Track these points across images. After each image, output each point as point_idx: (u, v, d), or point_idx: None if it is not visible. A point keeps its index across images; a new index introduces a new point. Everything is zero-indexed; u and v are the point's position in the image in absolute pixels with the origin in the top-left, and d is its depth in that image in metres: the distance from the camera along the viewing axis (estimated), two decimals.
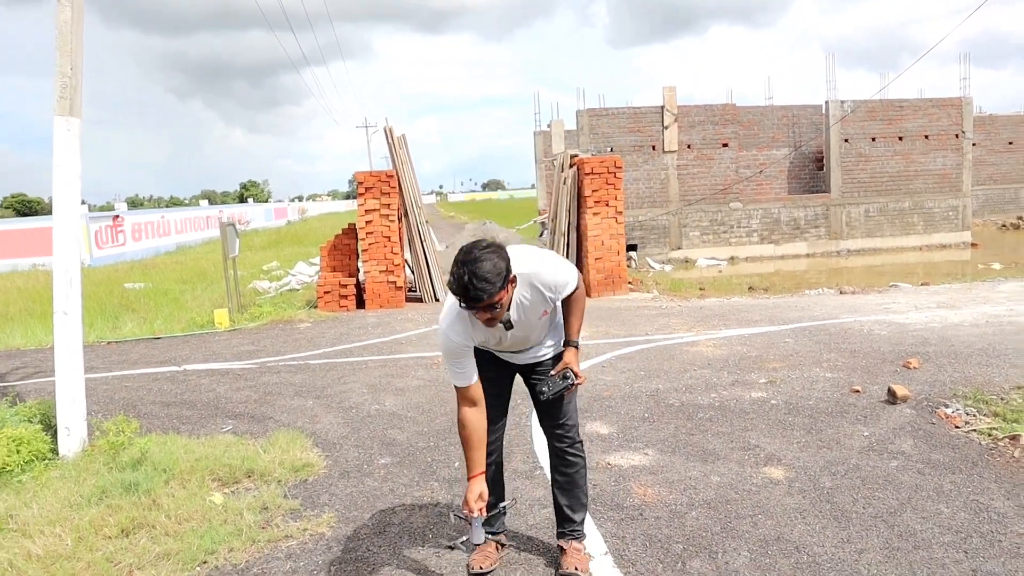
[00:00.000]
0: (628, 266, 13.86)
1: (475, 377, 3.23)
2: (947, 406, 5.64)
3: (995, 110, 34.71)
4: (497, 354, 3.47)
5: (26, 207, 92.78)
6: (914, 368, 6.81)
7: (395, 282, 12.59)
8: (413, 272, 13.63)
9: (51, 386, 7.35)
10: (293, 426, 5.90)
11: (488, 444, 3.33)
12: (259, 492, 4.50)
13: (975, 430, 5.14)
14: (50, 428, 5.45)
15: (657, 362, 7.65)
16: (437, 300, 13.08)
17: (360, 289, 12.93)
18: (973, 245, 22.72)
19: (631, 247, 19.90)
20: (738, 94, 53.49)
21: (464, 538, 3.01)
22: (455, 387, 3.26)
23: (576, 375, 3.32)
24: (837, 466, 4.62)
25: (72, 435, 5.31)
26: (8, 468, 4.81)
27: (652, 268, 19.58)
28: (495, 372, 3.46)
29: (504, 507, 3.24)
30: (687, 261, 21.15)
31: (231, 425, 6.08)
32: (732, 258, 21.52)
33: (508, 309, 3.10)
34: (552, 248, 13.63)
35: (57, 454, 5.25)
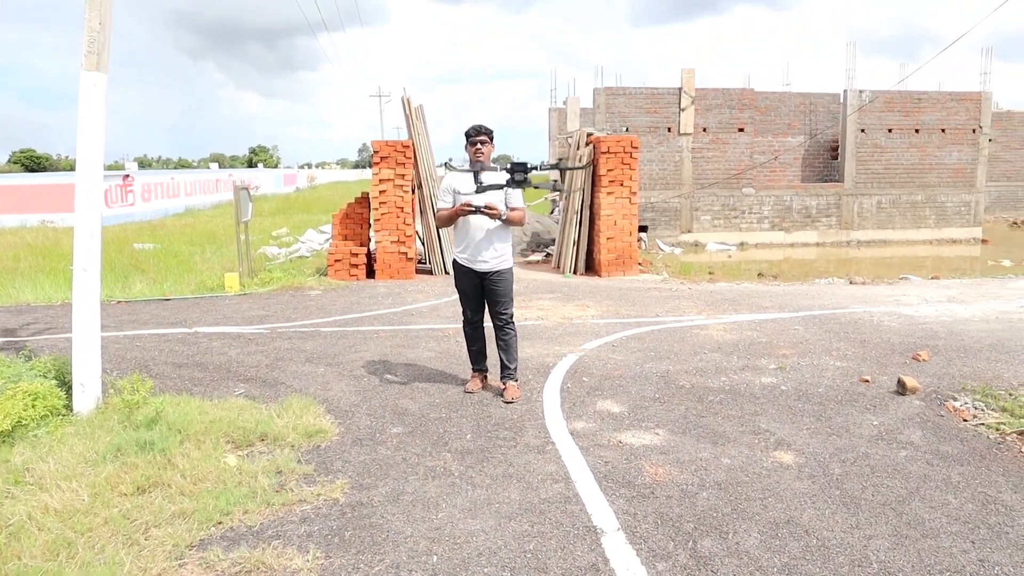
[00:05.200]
0: (638, 247, 13.86)
1: (450, 206, 5.67)
2: (956, 399, 5.66)
3: (1013, 106, 34.40)
4: (466, 262, 5.74)
5: (34, 163, 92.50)
6: (923, 360, 6.83)
7: (406, 253, 12.60)
8: (424, 244, 13.63)
9: (63, 342, 7.41)
10: (305, 392, 5.94)
11: (474, 325, 6.00)
12: (273, 456, 4.54)
13: (983, 424, 5.16)
14: (65, 384, 5.48)
15: (668, 344, 7.67)
16: (447, 273, 13.10)
17: (370, 259, 12.94)
18: (984, 241, 22.64)
19: (642, 228, 19.87)
20: (756, 79, 52.85)
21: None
22: (437, 209, 5.89)
23: (489, 208, 5.46)
24: (846, 453, 4.65)
25: (87, 392, 5.35)
26: (24, 423, 4.85)
27: (662, 250, 19.55)
28: (469, 286, 5.82)
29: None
30: (697, 245, 21.11)
31: (243, 389, 6.12)
32: (742, 244, 21.48)
33: (485, 164, 5.60)
34: (564, 226, 13.62)
35: (72, 410, 5.29)
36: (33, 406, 5.00)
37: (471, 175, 5.63)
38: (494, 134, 5.71)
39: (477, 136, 5.59)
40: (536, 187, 5.93)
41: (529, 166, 5.43)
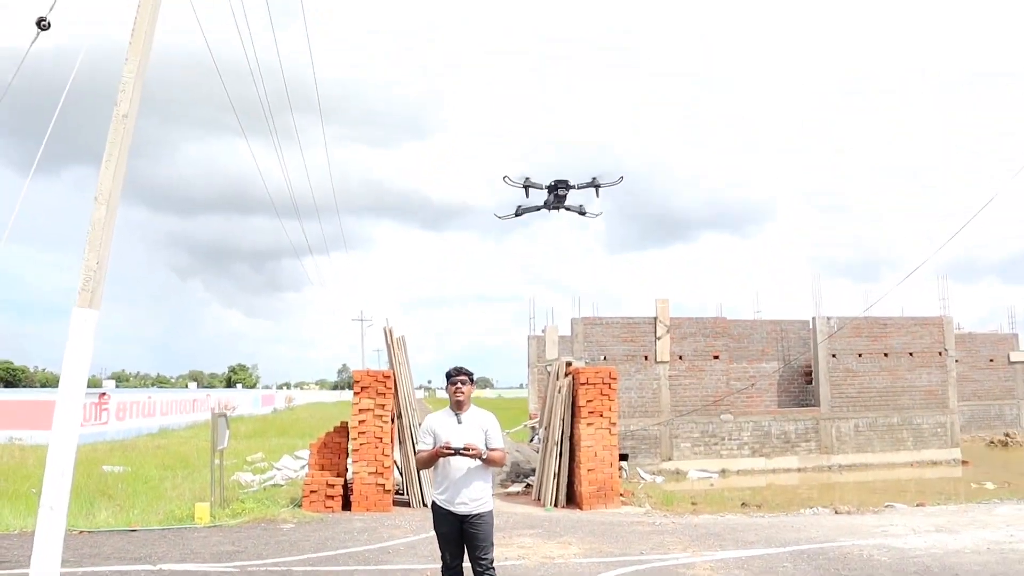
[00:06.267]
0: (619, 477, 13.72)
1: (431, 447, 5.71)
2: None
3: (972, 326, 35.79)
4: (445, 504, 5.68)
5: (10, 375, 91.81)
6: None
7: (383, 485, 12.37)
8: (402, 475, 13.42)
9: None
10: None
11: (453, 570, 5.78)
12: None
13: None
14: None
15: None
16: (425, 505, 12.78)
17: (347, 489, 12.66)
18: (964, 463, 22.60)
19: (622, 456, 19.66)
20: (728, 307, 54.75)
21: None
22: (418, 451, 5.94)
23: (468, 448, 5.54)
24: None
25: None
26: None
27: (643, 479, 19.29)
28: (448, 529, 5.72)
29: None
30: (678, 472, 20.85)
31: None
32: (723, 471, 21.25)
33: (468, 404, 5.85)
34: (544, 457, 13.52)
35: None
36: None
37: (452, 417, 5.82)
38: (474, 376, 5.97)
39: (457, 376, 5.85)
40: (568, 208, 7.31)
41: (571, 183, 6.49)
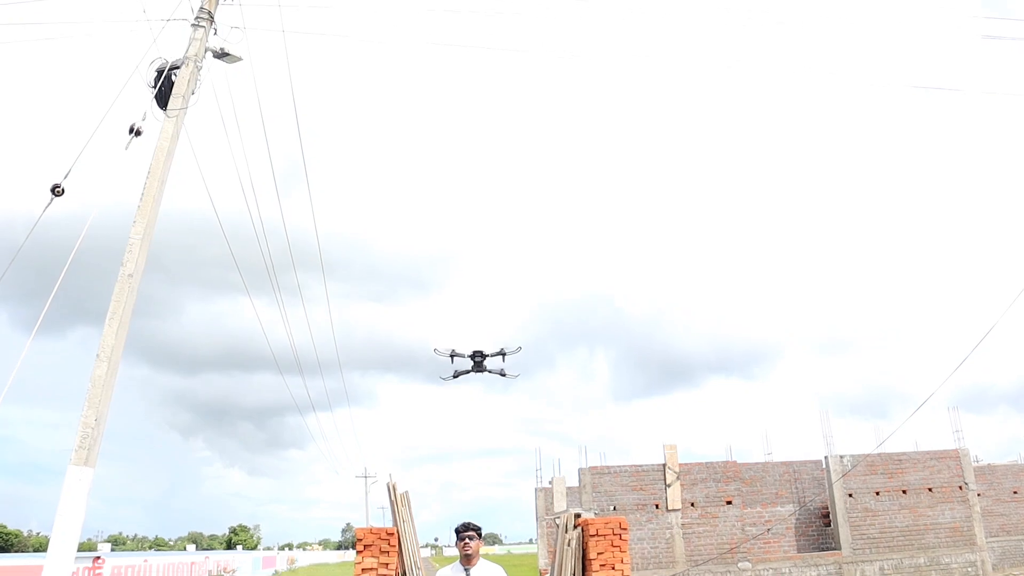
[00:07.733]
0: None
1: None
2: None
3: (990, 457, 34.99)
4: None
5: (3, 540, 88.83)
6: None
7: None
8: None
9: None
10: None
11: None
12: None
13: None
14: None
15: None
16: None
17: None
18: None
19: None
20: (738, 450, 53.98)
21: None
22: None
23: None
24: None
25: None
26: None
27: None
28: None
29: None
30: None
31: None
32: None
33: (477, 558, 6.10)
34: None
35: None
36: None
37: (462, 571, 6.12)
38: (482, 531, 6.34)
39: (465, 532, 6.19)
40: (490, 371, 9.90)
41: (485, 352, 8.90)
